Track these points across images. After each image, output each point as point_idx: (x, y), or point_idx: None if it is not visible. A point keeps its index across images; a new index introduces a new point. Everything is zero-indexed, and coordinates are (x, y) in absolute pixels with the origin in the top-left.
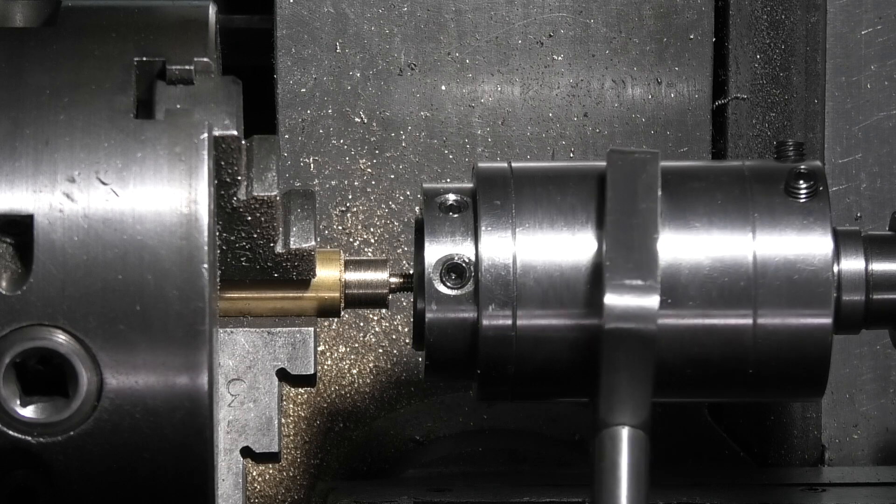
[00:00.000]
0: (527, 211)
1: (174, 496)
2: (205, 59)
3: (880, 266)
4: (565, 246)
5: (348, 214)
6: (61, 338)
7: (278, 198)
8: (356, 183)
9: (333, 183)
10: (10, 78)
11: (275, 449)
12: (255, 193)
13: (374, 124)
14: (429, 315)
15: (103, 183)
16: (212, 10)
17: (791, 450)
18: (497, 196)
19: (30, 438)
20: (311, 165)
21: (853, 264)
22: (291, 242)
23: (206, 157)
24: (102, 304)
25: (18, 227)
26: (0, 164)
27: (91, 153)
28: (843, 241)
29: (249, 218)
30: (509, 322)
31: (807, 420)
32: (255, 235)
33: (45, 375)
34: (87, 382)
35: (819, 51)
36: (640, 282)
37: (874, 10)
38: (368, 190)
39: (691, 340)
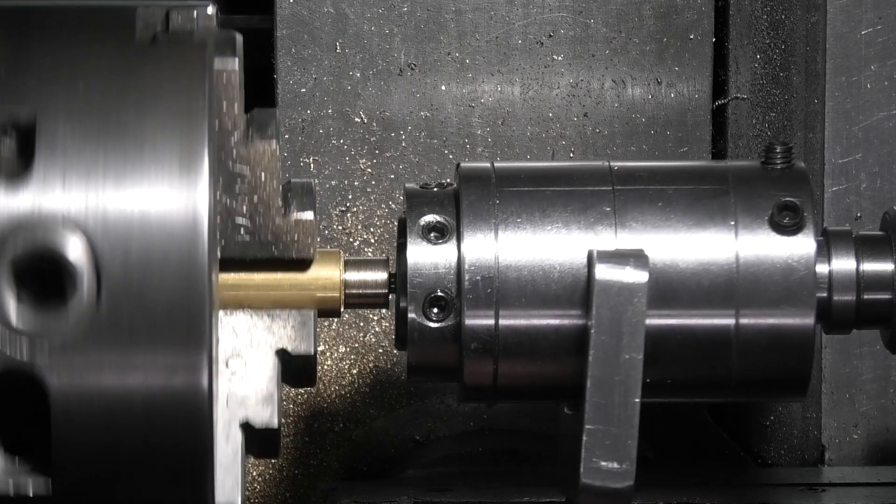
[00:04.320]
0: (509, 212)
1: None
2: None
3: (871, 266)
4: (548, 247)
5: (348, 214)
6: None
7: (278, 151)
8: (356, 183)
9: (333, 183)
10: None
11: (274, 425)
12: (256, 140)
13: (374, 124)
14: (411, 315)
15: None
16: (212, 11)
17: (791, 450)
18: (479, 196)
19: None
20: (311, 165)
21: (844, 264)
22: (292, 213)
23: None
24: None
25: None
26: None
27: None
28: (834, 242)
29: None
30: (491, 322)
31: (807, 420)
32: (256, 200)
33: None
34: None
35: (819, 51)
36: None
37: (874, 10)
38: (368, 190)
39: (673, 340)
